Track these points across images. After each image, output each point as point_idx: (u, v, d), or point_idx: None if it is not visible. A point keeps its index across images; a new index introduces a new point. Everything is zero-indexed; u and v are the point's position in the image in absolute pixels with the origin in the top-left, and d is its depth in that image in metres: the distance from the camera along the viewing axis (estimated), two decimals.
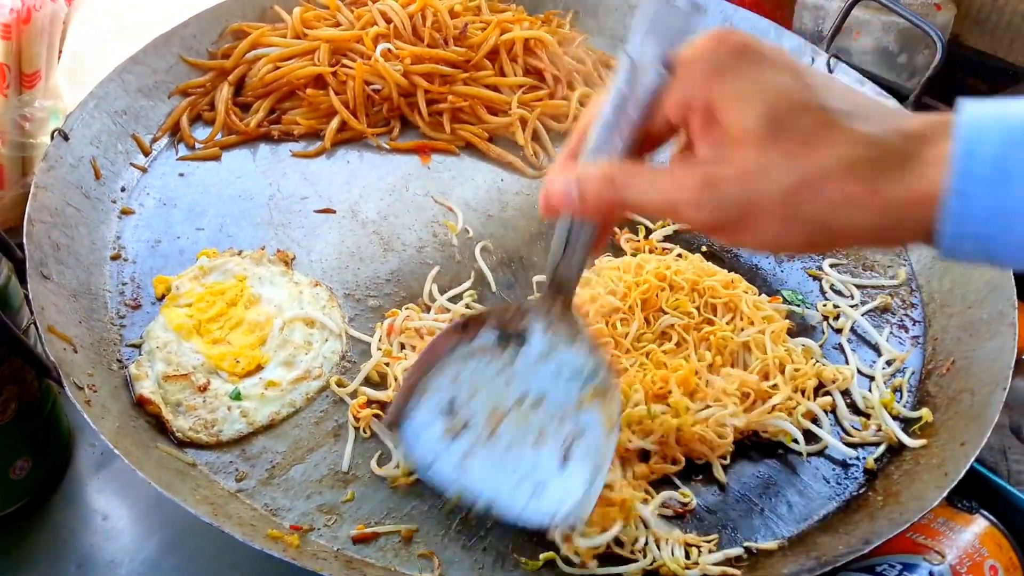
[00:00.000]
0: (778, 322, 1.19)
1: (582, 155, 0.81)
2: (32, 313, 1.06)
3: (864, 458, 1.11)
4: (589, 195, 0.76)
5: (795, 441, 1.10)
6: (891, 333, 1.28)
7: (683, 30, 0.75)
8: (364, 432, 1.10)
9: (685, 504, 1.04)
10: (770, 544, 1.02)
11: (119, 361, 1.14)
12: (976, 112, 0.65)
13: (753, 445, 1.12)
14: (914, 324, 1.30)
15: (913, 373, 1.23)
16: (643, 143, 0.80)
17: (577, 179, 0.77)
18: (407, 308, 1.22)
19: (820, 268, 1.37)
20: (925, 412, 1.14)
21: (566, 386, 0.97)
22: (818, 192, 0.67)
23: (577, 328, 0.97)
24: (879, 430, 1.13)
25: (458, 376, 0.98)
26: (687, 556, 0.99)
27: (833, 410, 1.16)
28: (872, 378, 1.20)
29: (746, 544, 1.02)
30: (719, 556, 0.99)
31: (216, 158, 1.45)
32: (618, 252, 1.33)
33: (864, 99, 0.71)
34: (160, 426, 1.07)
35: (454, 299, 1.25)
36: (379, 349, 1.18)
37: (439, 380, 0.98)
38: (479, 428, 0.96)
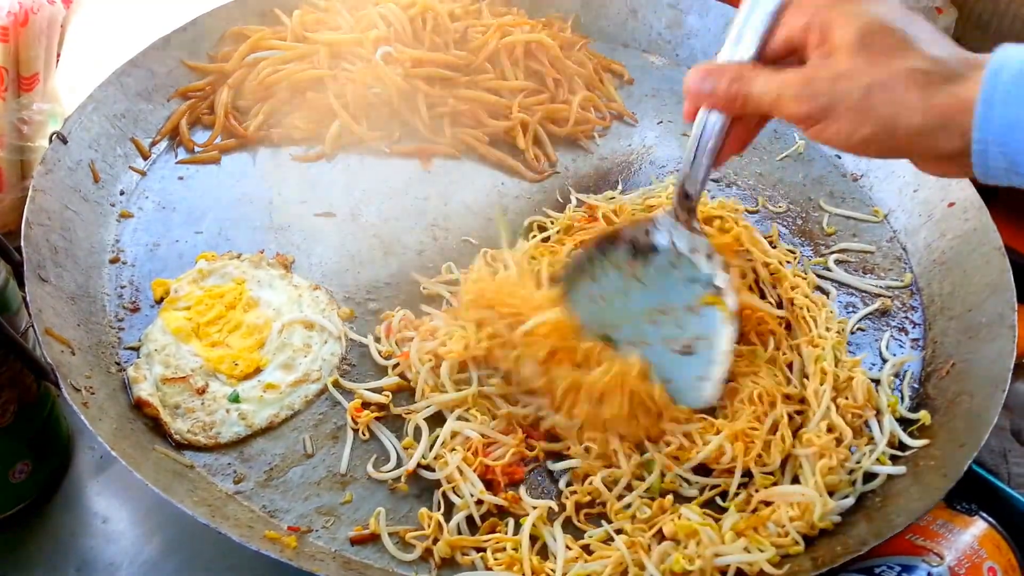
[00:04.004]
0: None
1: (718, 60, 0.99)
2: (30, 316, 1.06)
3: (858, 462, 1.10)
4: (720, 86, 0.96)
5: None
6: (891, 336, 1.28)
7: None
8: (363, 434, 1.10)
9: None
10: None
11: (117, 364, 1.14)
12: (1011, 47, 0.82)
13: None
14: (914, 327, 1.30)
15: (913, 375, 1.23)
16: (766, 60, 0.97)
17: (713, 72, 0.97)
18: (402, 310, 1.22)
19: (826, 267, 1.37)
20: (924, 414, 1.13)
21: (688, 290, 1.15)
22: (887, 93, 0.84)
23: (698, 237, 1.14)
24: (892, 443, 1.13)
25: (592, 292, 1.16)
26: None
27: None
28: (877, 381, 1.20)
29: None
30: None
31: (215, 162, 1.45)
32: None
33: (940, 35, 0.88)
34: (158, 428, 1.07)
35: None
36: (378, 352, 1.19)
37: (577, 296, 1.15)
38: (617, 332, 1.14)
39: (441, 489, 1.04)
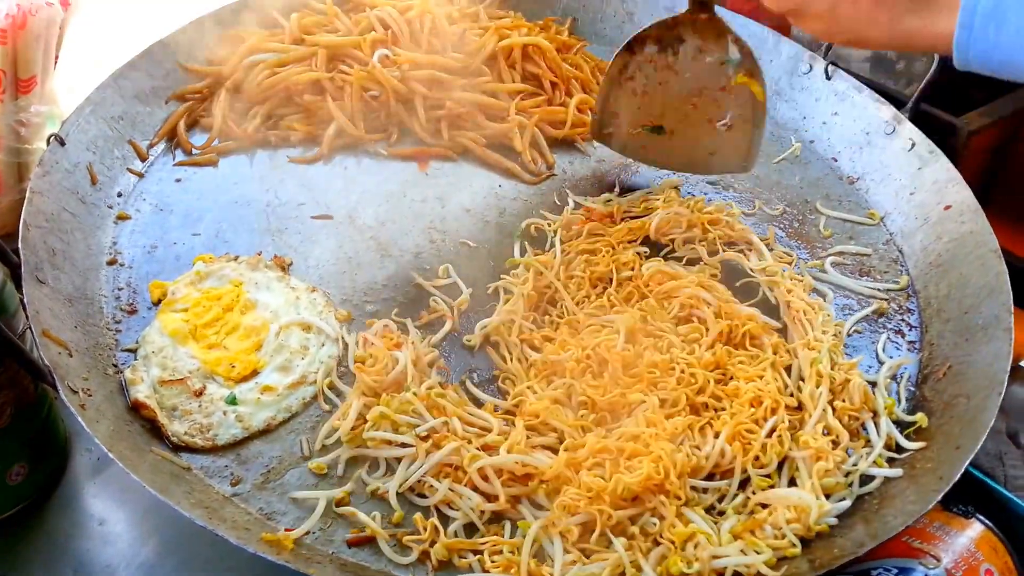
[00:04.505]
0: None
1: None
2: (28, 318, 1.06)
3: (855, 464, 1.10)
4: None
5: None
6: (888, 338, 1.28)
7: None
8: None
9: None
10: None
11: (114, 366, 1.14)
12: None
13: None
14: (910, 329, 1.30)
15: (909, 378, 1.23)
16: None
17: None
18: (384, 322, 1.21)
19: (823, 269, 1.37)
20: (920, 417, 1.13)
21: (720, 72, 1.31)
22: (854, 9, 0.85)
23: (722, 27, 1.27)
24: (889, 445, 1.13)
25: (634, 87, 1.37)
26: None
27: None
28: (874, 384, 1.20)
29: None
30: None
31: (213, 164, 1.46)
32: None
33: None
34: (155, 430, 1.07)
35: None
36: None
37: (620, 95, 1.39)
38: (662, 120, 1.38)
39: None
